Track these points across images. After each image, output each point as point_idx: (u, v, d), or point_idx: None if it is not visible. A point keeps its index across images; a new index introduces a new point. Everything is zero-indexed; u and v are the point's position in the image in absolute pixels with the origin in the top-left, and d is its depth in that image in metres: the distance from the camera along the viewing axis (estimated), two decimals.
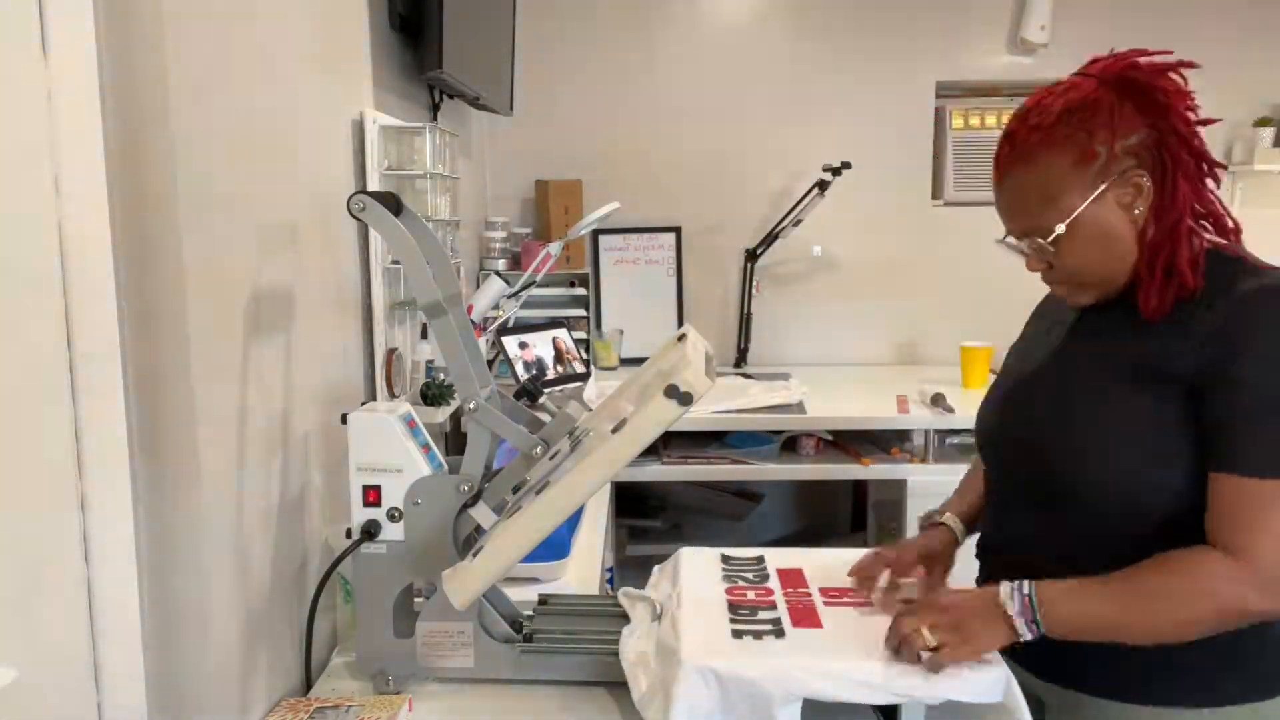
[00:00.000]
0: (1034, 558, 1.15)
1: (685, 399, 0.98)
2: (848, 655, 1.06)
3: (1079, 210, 1.07)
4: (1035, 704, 1.19)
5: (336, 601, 1.38)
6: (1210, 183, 1.09)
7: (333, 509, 1.42)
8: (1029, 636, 1.02)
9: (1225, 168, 1.12)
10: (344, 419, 1.21)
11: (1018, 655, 1.15)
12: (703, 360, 1.04)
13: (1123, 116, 1.05)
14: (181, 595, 1.04)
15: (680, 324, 3.14)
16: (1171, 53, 1.07)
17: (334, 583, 1.35)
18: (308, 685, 1.26)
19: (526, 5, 2.94)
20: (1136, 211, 1.08)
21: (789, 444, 2.53)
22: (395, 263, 1.68)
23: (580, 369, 2.51)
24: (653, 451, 2.41)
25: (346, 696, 1.19)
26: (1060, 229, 1.09)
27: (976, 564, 1.28)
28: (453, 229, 1.93)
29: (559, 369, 2.50)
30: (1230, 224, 1.10)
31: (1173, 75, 1.07)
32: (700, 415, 2.37)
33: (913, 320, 3.18)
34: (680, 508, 3.06)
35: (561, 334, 2.55)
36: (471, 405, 1.16)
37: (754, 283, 3.06)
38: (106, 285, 0.94)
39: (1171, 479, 1.05)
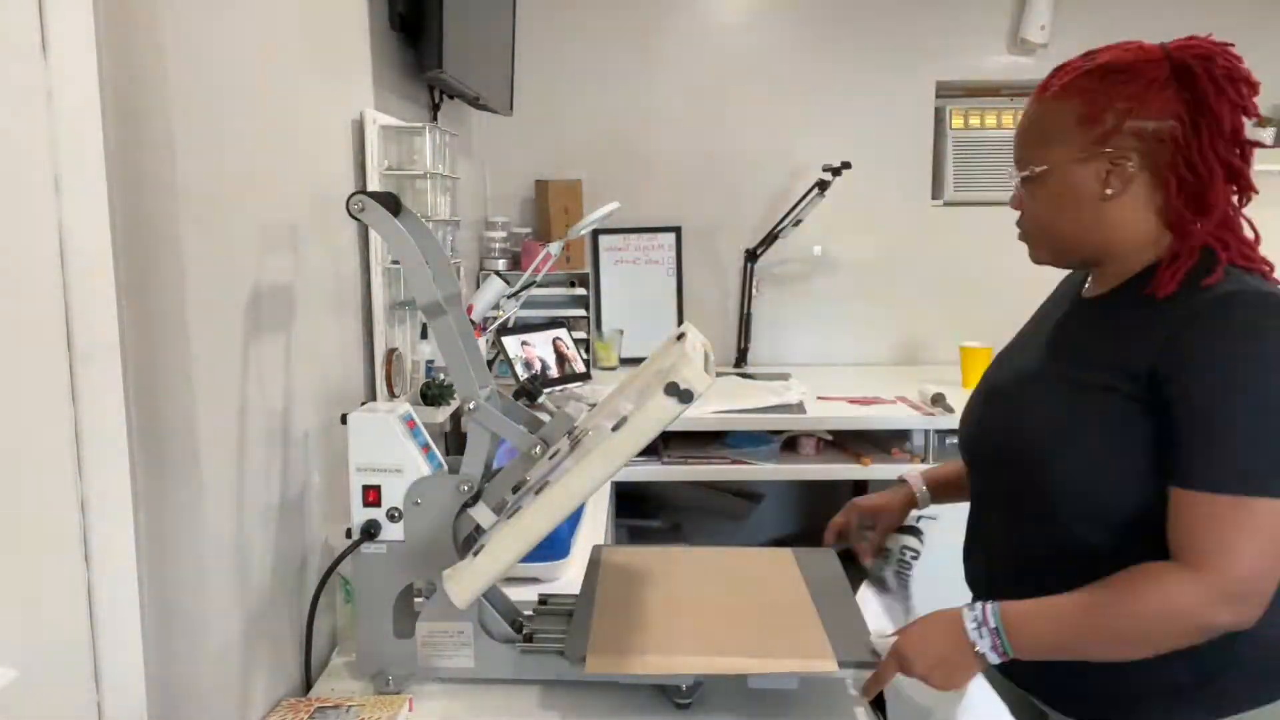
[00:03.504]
0: (1010, 564, 1.17)
1: (685, 396, 0.98)
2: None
3: (1059, 162, 1.08)
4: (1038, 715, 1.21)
5: (336, 601, 1.38)
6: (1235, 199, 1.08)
7: (333, 509, 1.42)
8: (998, 661, 1.04)
9: (1257, 192, 1.09)
10: (344, 419, 1.21)
11: (1027, 682, 1.18)
12: (702, 358, 1.04)
13: (1156, 98, 1.03)
14: (181, 595, 1.04)
15: (680, 324, 3.14)
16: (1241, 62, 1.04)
17: (334, 583, 1.35)
18: (308, 685, 1.26)
19: (526, 5, 2.94)
20: (1108, 192, 1.06)
21: (789, 444, 2.53)
22: (395, 263, 1.68)
23: (580, 369, 2.50)
24: (653, 451, 2.41)
25: (346, 696, 1.19)
26: (1035, 170, 1.10)
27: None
28: (453, 229, 1.93)
29: (559, 369, 2.50)
30: (1251, 235, 1.11)
31: (1241, 86, 1.03)
32: (700, 415, 2.37)
33: (913, 320, 3.18)
34: (680, 508, 3.06)
35: (561, 334, 2.55)
36: (471, 405, 1.16)
37: (754, 283, 3.06)
38: (106, 285, 0.94)
39: (1133, 487, 1.04)
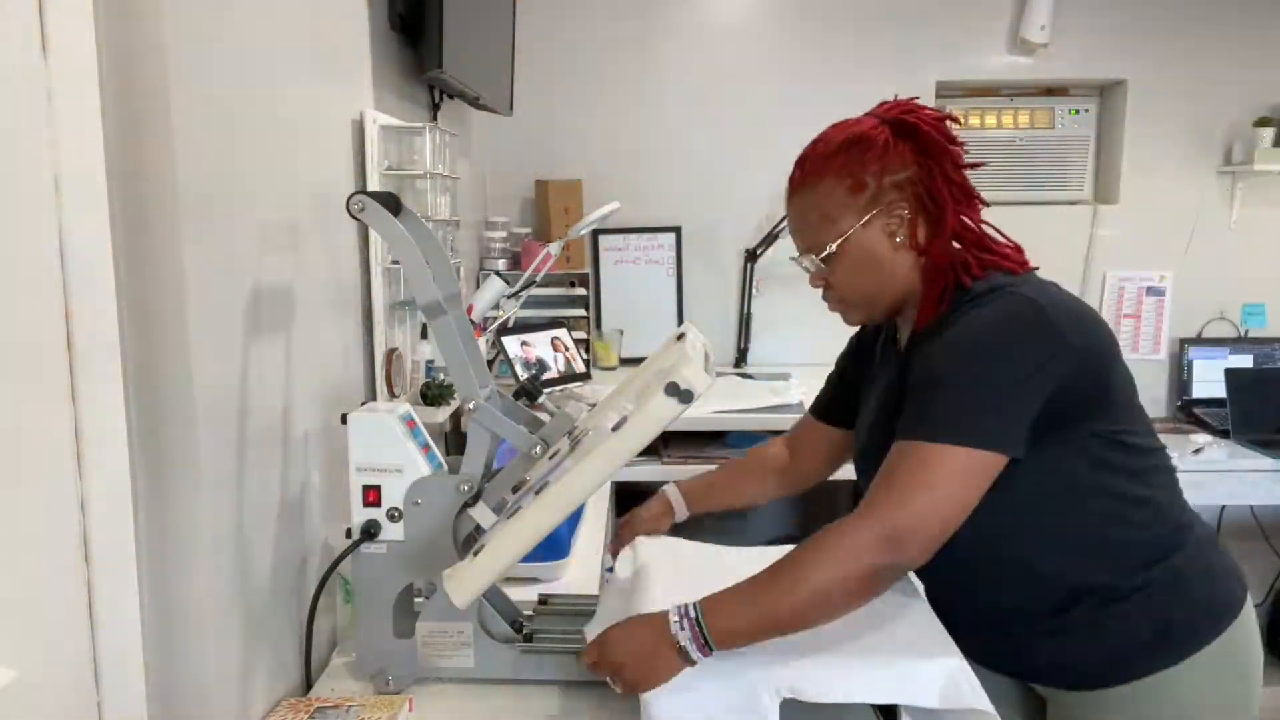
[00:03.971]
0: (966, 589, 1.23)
1: (685, 396, 0.98)
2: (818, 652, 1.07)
3: (848, 233, 1.20)
4: (1039, 704, 1.29)
5: (336, 601, 1.38)
6: (982, 215, 1.22)
7: (333, 509, 1.42)
8: (702, 658, 1.03)
9: (986, 204, 1.25)
10: (344, 419, 1.21)
11: (1013, 668, 1.25)
12: (702, 358, 1.04)
13: (895, 154, 1.18)
14: (181, 595, 1.04)
15: (680, 324, 3.14)
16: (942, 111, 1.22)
17: (334, 583, 1.35)
18: (308, 685, 1.26)
19: (526, 5, 2.94)
20: (898, 240, 1.19)
21: None
22: (395, 263, 1.68)
23: (580, 369, 2.51)
24: (653, 451, 2.41)
25: (346, 696, 1.19)
26: (832, 247, 1.22)
27: None
28: (453, 229, 1.93)
29: (559, 369, 2.50)
30: (1008, 249, 1.22)
31: (945, 124, 1.20)
32: (700, 415, 2.37)
33: None
34: None
35: (561, 334, 2.55)
36: (471, 405, 1.16)
37: (754, 283, 3.06)
38: (106, 285, 0.94)
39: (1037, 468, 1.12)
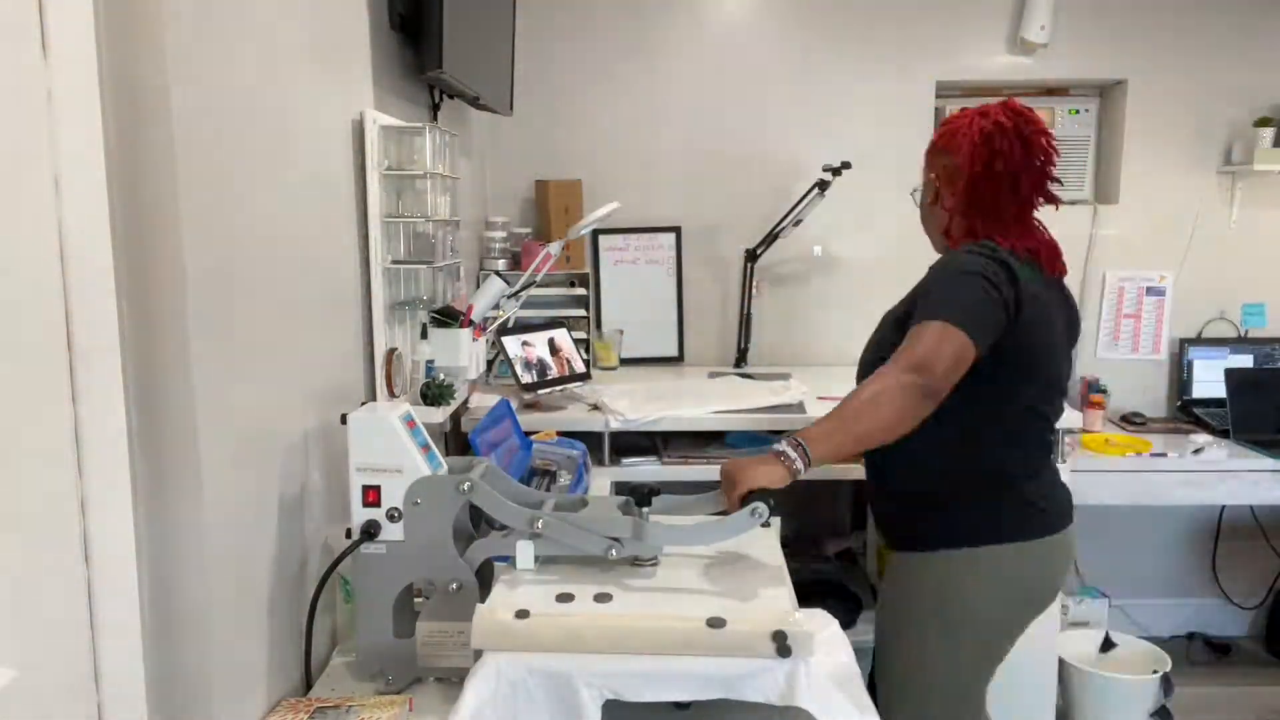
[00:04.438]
0: (865, 459, 1.76)
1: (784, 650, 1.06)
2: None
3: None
4: (885, 572, 1.75)
5: (336, 601, 1.38)
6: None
7: (333, 509, 1.42)
8: (800, 465, 1.39)
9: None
10: (344, 419, 1.21)
11: (892, 540, 1.74)
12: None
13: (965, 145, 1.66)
14: (181, 595, 1.04)
15: (680, 324, 3.15)
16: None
17: (334, 583, 1.35)
18: (308, 685, 1.26)
19: (526, 5, 2.94)
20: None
21: None
22: (395, 263, 1.68)
23: (580, 369, 2.51)
24: (653, 451, 2.41)
25: (346, 696, 1.19)
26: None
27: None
28: (453, 229, 1.93)
29: (559, 369, 2.50)
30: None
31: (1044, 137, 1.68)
32: (700, 415, 2.37)
33: None
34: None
35: (561, 334, 2.55)
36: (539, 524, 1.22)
37: (754, 283, 3.06)
38: (106, 285, 0.94)
39: None
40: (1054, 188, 1.69)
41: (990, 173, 1.61)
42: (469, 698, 1.06)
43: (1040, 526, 1.62)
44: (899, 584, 1.70)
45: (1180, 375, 3.14)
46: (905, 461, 1.64)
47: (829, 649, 1.15)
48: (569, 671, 1.07)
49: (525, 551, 1.22)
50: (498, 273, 2.04)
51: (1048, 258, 1.66)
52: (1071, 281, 3.25)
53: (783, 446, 1.40)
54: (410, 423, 1.24)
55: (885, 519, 1.78)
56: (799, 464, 1.39)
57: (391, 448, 1.20)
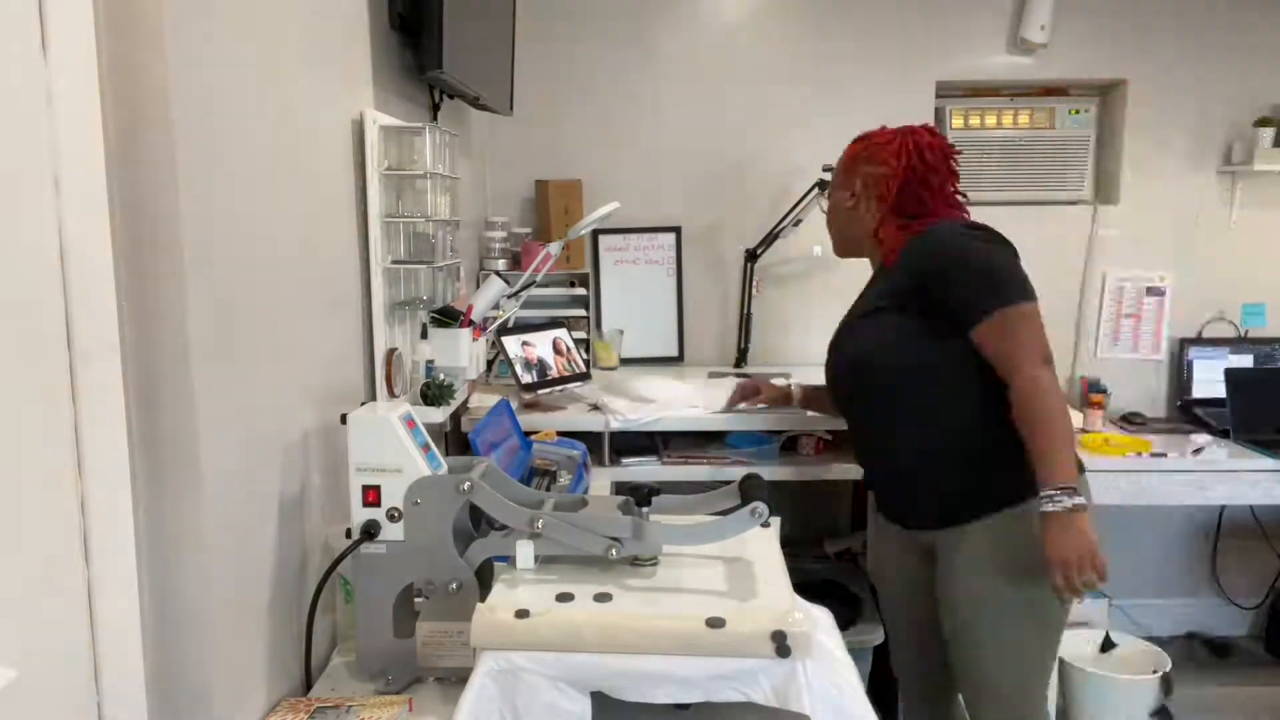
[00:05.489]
0: (881, 454, 1.87)
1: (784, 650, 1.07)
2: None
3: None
4: (928, 553, 1.82)
5: (336, 601, 1.38)
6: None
7: (333, 509, 1.42)
8: (1076, 501, 1.52)
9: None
10: (344, 419, 1.21)
11: (906, 522, 1.85)
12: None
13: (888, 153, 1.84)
14: (181, 595, 1.04)
15: (680, 324, 3.15)
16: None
17: (334, 583, 1.35)
18: (308, 685, 1.26)
19: (526, 5, 2.94)
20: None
21: (789, 444, 2.53)
22: (395, 263, 1.68)
23: (580, 369, 2.50)
24: (653, 451, 2.41)
25: (346, 696, 1.19)
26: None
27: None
28: (453, 229, 1.93)
29: (559, 369, 2.50)
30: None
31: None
32: (700, 415, 2.37)
33: None
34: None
35: (561, 334, 2.55)
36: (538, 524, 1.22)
37: (754, 283, 3.06)
38: (106, 285, 0.94)
39: (921, 350, 1.71)
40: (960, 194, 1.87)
41: (919, 176, 1.80)
42: (469, 697, 1.06)
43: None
44: (959, 558, 1.71)
45: (1180, 375, 3.14)
46: (937, 432, 1.72)
47: (827, 649, 1.15)
48: (568, 671, 1.07)
49: (525, 551, 1.22)
50: (498, 273, 2.04)
51: None
52: (1071, 281, 3.28)
53: (1055, 504, 1.52)
54: (410, 423, 1.24)
55: (925, 499, 1.78)
56: (1071, 501, 1.52)
57: (391, 448, 1.20)
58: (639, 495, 1.29)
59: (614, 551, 1.21)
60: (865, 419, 1.87)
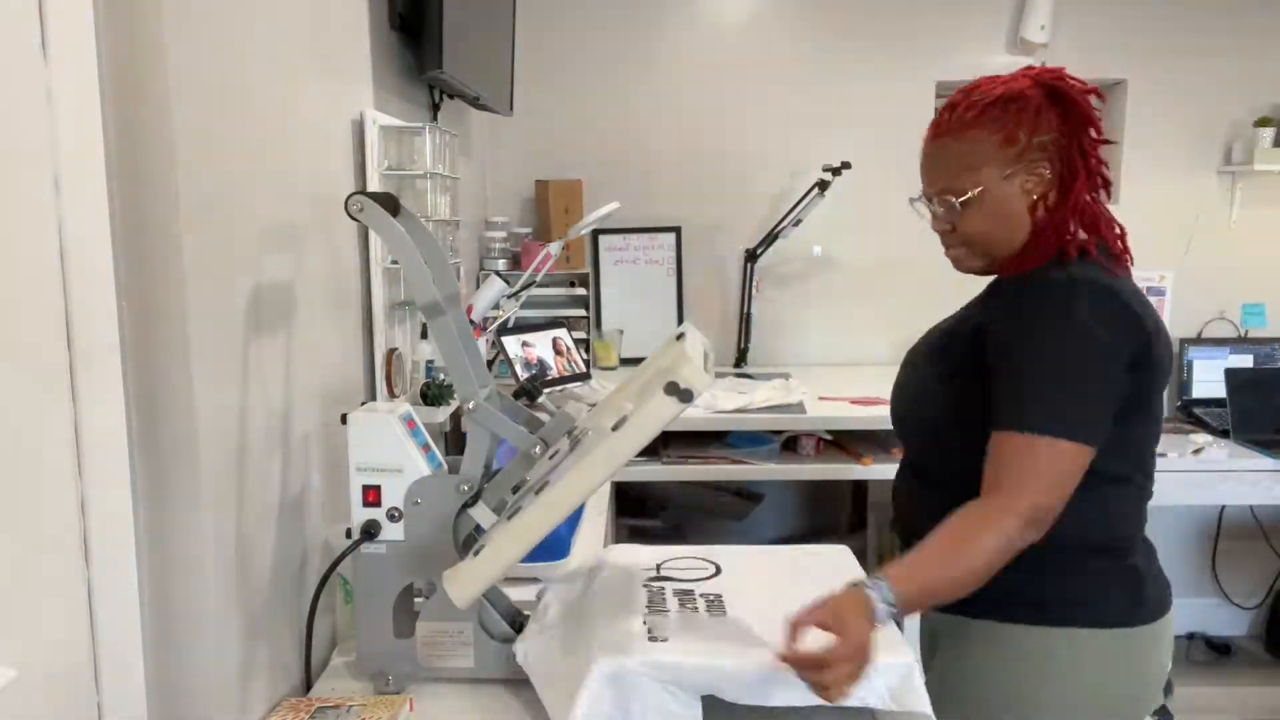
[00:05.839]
0: (905, 508, 1.44)
1: (685, 395, 0.98)
2: (748, 655, 1.07)
3: (992, 182, 1.26)
4: (930, 637, 1.45)
5: (336, 601, 1.38)
6: (1102, 193, 1.30)
7: (333, 509, 1.42)
8: (888, 619, 1.08)
9: (1111, 185, 1.32)
10: (344, 419, 1.21)
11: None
12: (702, 357, 1.04)
13: (1045, 117, 1.25)
14: (181, 595, 1.04)
15: (680, 324, 3.15)
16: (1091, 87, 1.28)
17: (334, 583, 1.35)
18: (308, 685, 1.26)
19: (526, 5, 2.94)
20: (1034, 198, 1.27)
21: (789, 444, 2.53)
22: (395, 263, 1.68)
23: (580, 369, 2.51)
24: (653, 451, 2.41)
25: (346, 696, 1.19)
26: (973, 193, 1.27)
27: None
28: (453, 229, 1.93)
29: (559, 369, 2.50)
30: (1116, 230, 1.32)
31: (1092, 98, 1.27)
32: (700, 415, 2.37)
33: (913, 320, 3.17)
34: (680, 508, 3.05)
35: (561, 334, 2.55)
36: (470, 405, 1.16)
37: (754, 283, 3.06)
38: (106, 285, 0.94)
39: (974, 433, 1.24)
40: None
41: (1090, 145, 1.27)
42: (583, 699, 1.04)
43: (1151, 608, 1.29)
44: (968, 660, 1.34)
45: (1180, 375, 3.14)
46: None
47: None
48: (681, 674, 1.05)
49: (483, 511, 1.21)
50: (498, 273, 2.05)
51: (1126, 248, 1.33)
52: None
53: (885, 602, 1.08)
54: (410, 423, 1.24)
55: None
56: (890, 616, 1.08)
57: (391, 448, 1.20)
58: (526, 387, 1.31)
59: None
60: (904, 466, 1.47)
